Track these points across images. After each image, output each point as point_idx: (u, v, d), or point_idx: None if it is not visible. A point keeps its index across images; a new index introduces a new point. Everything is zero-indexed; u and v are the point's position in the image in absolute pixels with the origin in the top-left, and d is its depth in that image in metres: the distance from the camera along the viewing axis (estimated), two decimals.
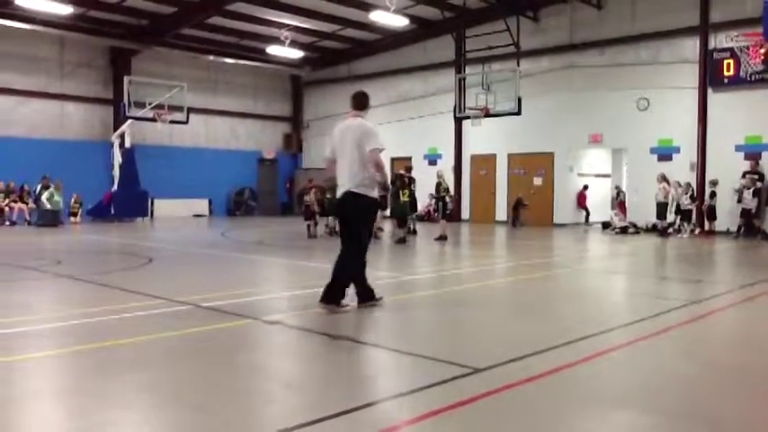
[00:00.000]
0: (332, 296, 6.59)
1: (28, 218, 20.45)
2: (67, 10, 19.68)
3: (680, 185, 18.24)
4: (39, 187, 20.56)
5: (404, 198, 16.07)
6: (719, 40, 18.79)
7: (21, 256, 11.99)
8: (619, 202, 20.90)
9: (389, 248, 14.42)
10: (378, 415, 3.72)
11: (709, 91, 18.93)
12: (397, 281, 9.10)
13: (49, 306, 7.14)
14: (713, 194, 18.14)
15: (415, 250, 14.26)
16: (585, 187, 22.61)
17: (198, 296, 7.28)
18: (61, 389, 4.26)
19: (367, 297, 6.81)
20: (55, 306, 7.15)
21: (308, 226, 16.68)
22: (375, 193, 6.72)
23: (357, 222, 6.68)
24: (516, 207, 21.75)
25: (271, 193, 29.36)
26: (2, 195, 20.36)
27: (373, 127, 6.72)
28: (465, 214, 24.24)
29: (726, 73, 18.54)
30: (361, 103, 6.87)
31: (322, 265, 10.93)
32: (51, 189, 20.18)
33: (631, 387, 4.32)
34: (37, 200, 20.46)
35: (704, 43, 18.94)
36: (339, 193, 6.73)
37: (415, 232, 16.93)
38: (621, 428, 3.68)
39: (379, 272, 10.16)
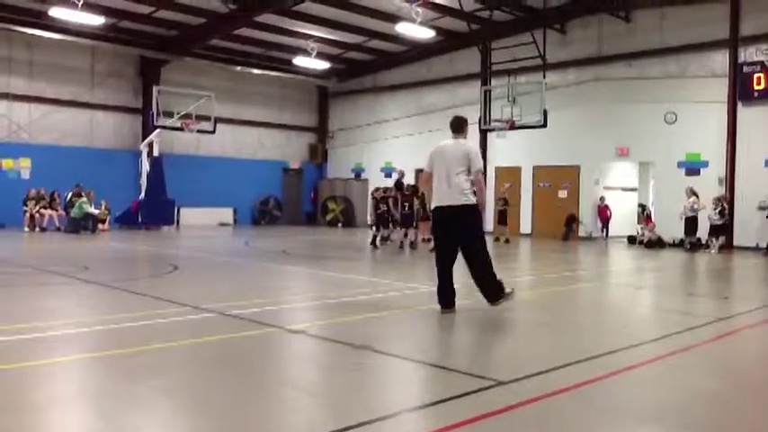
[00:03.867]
0: (494, 294, 7.31)
1: (58, 224, 20.77)
2: (99, 20, 20.03)
3: (718, 200, 17.87)
4: (69, 195, 20.89)
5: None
6: (749, 54, 18.56)
7: (50, 263, 12.18)
8: (646, 216, 20.64)
9: (419, 257, 14.40)
10: (400, 426, 3.71)
11: (739, 105, 18.69)
12: (422, 292, 9.08)
13: (76, 311, 7.23)
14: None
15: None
16: (602, 199, 22.30)
17: (223, 304, 7.32)
18: (87, 393, 4.31)
19: (500, 293, 7.38)
20: (82, 312, 7.23)
21: (377, 236, 17.12)
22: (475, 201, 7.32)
23: (476, 228, 7.38)
24: (569, 223, 21.64)
25: (295, 202, 29.52)
26: (33, 202, 20.71)
27: (477, 148, 7.51)
28: (489, 227, 24.09)
29: (756, 87, 18.28)
30: (460, 126, 7.63)
31: (345, 275, 10.99)
32: (84, 198, 20.50)
33: (658, 403, 4.26)
34: (67, 207, 20.79)
35: (734, 57, 18.72)
36: (440, 202, 7.30)
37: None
38: None
39: (408, 283, 10.15)
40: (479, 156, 7.50)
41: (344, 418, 3.74)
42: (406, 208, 17.02)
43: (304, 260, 14.12)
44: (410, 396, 4.36)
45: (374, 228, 17.42)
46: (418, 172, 25.20)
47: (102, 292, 8.56)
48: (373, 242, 16.95)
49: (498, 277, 7.42)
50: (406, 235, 16.84)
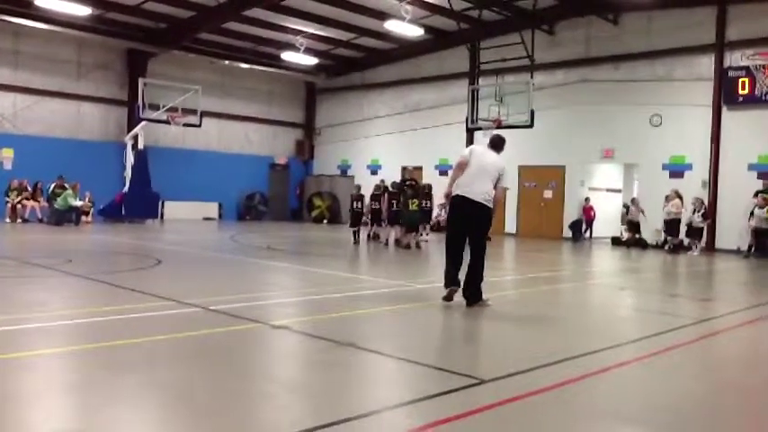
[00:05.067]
0: (475, 295, 7.74)
1: (40, 216, 20.59)
2: (86, 11, 19.87)
3: (696, 201, 18.14)
4: (52, 186, 20.72)
5: (413, 207, 16.41)
6: (735, 59, 18.75)
7: (32, 254, 12.09)
8: (628, 219, 20.75)
9: (400, 255, 14.43)
10: (382, 423, 3.72)
11: (724, 109, 18.87)
12: (406, 289, 9.10)
13: (58, 304, 7.18)
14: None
15: (427, 259, 14.25)
16: (587, 200, 22.46)
17: (206, 299, 7.30)
18: (68, 386, 4.29)
19: (479, 297, 7.81)
20: (65, 304, 7.18)
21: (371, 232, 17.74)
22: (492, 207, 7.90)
23: (486, 228, 7.93)
24: (578, 229, 21.92)
25: (281, 198, 29.44)
26: (15, 193, 20.51)
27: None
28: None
29: (741, 91, 18.48)
30: (500, 145, 8.26)
31: (329, 272, 10.98)
32: (69, 191, 20.32)
33: (638, 404, 4.30)
34: (49, 198, 20.61)
35: (719, 61, 18.90)
36: (465, 193, 7.76)
37: (417, 245, 16.77)
38: None
39: (391, 280, 10.17)
40: (508, 176, 8.20)
41: (327, 414, 3.74)
42: (394, 206, 17.10)
43: (289, 256, 14.09)
44: (392, 394, 4.37)
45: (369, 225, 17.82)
46: (404, 169, 25.33)
47: (85, 284, 8.51)
48: (372, 238, 17.46)
49: (472, 282, 7.77)
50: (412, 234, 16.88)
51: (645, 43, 20.33)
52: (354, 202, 18.01)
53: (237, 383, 4.36)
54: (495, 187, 7.84)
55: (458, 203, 7.89)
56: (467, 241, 7.93)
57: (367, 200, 18.15)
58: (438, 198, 19.66)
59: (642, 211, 19.26)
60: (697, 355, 5.95)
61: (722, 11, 18.86)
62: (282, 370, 4.98)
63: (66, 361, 4.87)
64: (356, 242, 17.27)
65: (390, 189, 17.75)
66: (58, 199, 20.12)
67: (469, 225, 7.87)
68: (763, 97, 18.13)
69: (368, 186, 19.87)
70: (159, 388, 4.23)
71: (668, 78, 19.97)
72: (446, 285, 7.85)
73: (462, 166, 7.97)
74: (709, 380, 5.07)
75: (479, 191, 7.76)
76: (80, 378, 4.46)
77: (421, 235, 17.18)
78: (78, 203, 20.61)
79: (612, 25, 20.99)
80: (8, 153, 21.82)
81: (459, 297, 7.74)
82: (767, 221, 17.07)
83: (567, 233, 22.09)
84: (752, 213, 17.56)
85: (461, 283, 7.81)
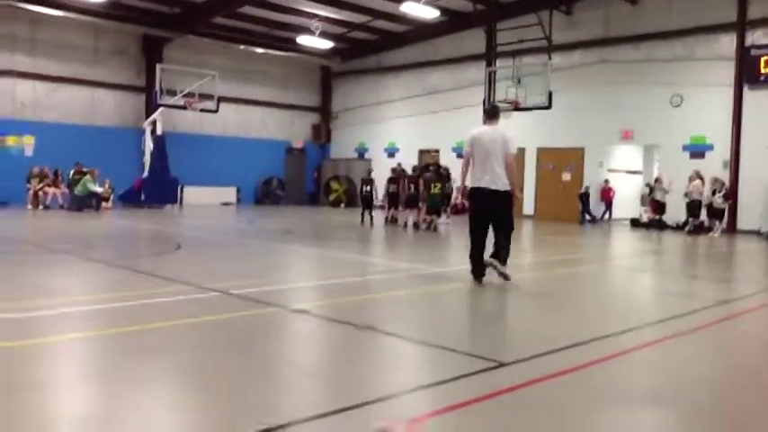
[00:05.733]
0: (504, 258, 8.06)
1: (61, 202, 20.80)
2: None
3: (715, 181, 17.94)
4: (71, 172, 20.90)
5: (435, 191, 16.55)
6: (757, 37, 18.43)
7: (54, 240, 12.22)
8: (651, 200, 20.49)
9: (418, 239, 14.43)
10: (400, 407, 3.73)
11: (745, 88, 18.58)
12: (424, 273, 9.10)
13: (80, 290, 7.26)
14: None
15: (447, 243, 14.24)
16: (606, 182, 22.28)
17: (226, 283, 7.34)
18: (90, 372, 4.34)
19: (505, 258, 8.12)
20: (86, 290, 7.27)
21: (389, 215, 17.93)
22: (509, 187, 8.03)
23: (507, 211, 8.09)
24: (585, 202, 21.69)
25: (298, 182, 29.51)
26: (36, 180, 20.71)
27: (511, 133, 8.18)
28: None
29: (762, 70, 18.17)
30: (495, 114, 8.43)
31: (348, 255, 11.01)
32: (88, 176, 20.49)
33: (659, 385, 4.28)
34: (70, 185, 20.81)
35: (741, 40, 18.59)
36: (479, 183, 7.99)
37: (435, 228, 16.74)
38: (648, 425, 3.66)
39: (409, 264, 10.17)
40: (513, 140, 8.08)
41: (345, 398, 3.76)
42: (412, 189, 17.14)
43: (307, 240, 14.13)
44: (411, 377, 4.38)
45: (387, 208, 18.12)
46: (421, 153, 25.35)
47: (106, 270, 8.59)
48: (389, 221, 17.68)
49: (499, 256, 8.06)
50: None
51: (664, 22, 20.02)
52: (364, 186, 18.34)
53: (257, 367, 4.39)
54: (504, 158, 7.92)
55: (475, 195, 8.11)
56: (490, 225, 8.09)
57: (378, 183, 18.36)
58: (456, 181, 19.78)
59: (665, 190, 18.94)
60: (717, 337, 5.90)
61: None
62: (301, 354, 5.01)
63: (88, 346, 4.93)
64: (363, 224, 17.60)
65: (412, 172, 17.86)
66: (78, 185, 20.31)
67: (491, 212, 8.03)
68: None
69: (385, 170, 19.93)
70: (180, 372, 4.27)
71: (688, 58, 19.68)
72: (475, 277, 8.06)
73: (468, 160, 8.21)
74: (728, 363, 5.03)
75: (492, 177, 7.90)
76: (102, 363, 4.51)
77: (440, 218, 17.28)
78: (98, 189, 20.78)
79: (631, 5, 20.69)
80: (29, 140, 22.02)
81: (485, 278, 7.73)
82: None
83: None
84: None
85: (485, 272, 8.05)
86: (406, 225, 16.85)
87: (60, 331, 5.24)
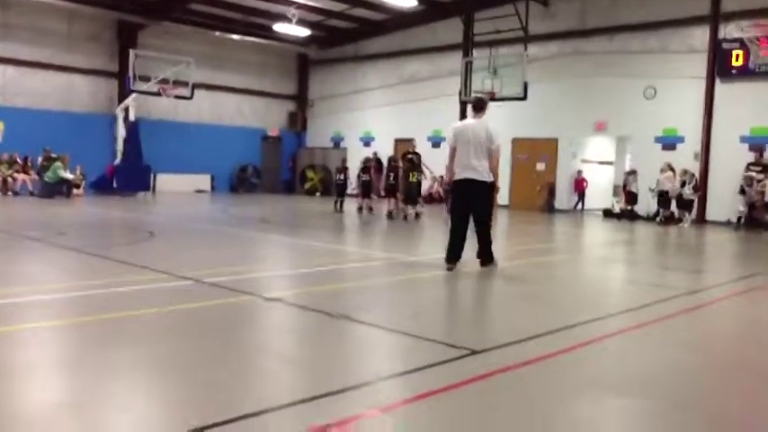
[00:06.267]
0: (485, 256, 8.36)
1: (31, 189, 20.50)
2: None
3: (685, 173, 18.20)
4: (40, 159, 20.60)
5: (412, 179, 16.68)
6: (729, 31, 18.66)
7: (24, 227, 12.06)
8: (625, 190, 20.64)
9: (393, 227, 14.47)
10: (373, 395, 3.77)
11: (717, 81, 18.83)
12: (398, 262, 9.14)
13: (52, 277, 7.19)
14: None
15: (421, 232, 14.29)
16: (579, 173, 22.50)
17: (200, 271, 7.33)
18: (62, 359, 4.32)
19: (491, 258, 8.45)
20: (58, 277, 7.20)
21: (363, 204, 17.97)
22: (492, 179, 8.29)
23: (487, 201, 8.38)
24: (550, 192, 21.94)
25: (274, 170, 29.35)
26: (5, 166, 20.38)
27: (495, 126, 8.35)
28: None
29: (734, 63, 18.43)
30: (482, 106, 8.45)
31: (323, 244, 11.01)
32: (58, 162, 20.19)
33: (628, 374, 4.37)
34: (40, 171, 20.50)
35: (714, 33, 18.80)
36: (463, 175, 8.19)
37: (417, 216, 16.88)
38: (617, 413, 3.74)
39: (384, 252, 10.20)
40: (499, 134, 8.35)
41: (321, 386, 3.79)
42: (391, 178, 17.24)
43: (282, 228, 14.11)
44: (385, 365, 4.43)
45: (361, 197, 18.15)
46: (398, 141, 25.37)
47: (78, 257, 8.51)
48: (360, 209, 17.75)
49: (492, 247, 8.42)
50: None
51: (640, 14, 20.19)
52: (338, 174, 18.79)
53: (232, 356, 4.40)
54: (490, 153, 8.14)
55: (460, 187, 8.31)
56: (470, 218, 8.34)
57: (352, 172, 18.53)
58: (430, 171, 19.90)
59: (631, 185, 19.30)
60: (685, 326, 6.02)
61: None
62: (277, 342, 5.02)
63: (60, 334, 4.90)
64: (337, 211, 17.82)
65: (392, 162, 17.95)
66: (48, 171, 20.02)
67: (472, 202, 8.29)
68: (757, 69, 18.08)
69: (361, 158, 19.98)
70: (153, 361, 4.27)
71: (662, 50, 19.88)
72: (448, 261, 8.26)
73: (453, 152, 8.32)
74: (697, 352, 5.14)
75: (476, 169, 8.10)
76: (74, 351, 4.49)
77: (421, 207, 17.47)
78: (69, 176, 20.50)
79: None
80: None
81: (460, 266, 7.79)
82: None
83: (560, 205, 22.15)
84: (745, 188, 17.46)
85: (461, 256, 8.29)
86: (390, 214, 16.89)
87: (31, 319, 5.19)
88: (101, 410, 3.38)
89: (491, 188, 8.30)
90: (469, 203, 8.29)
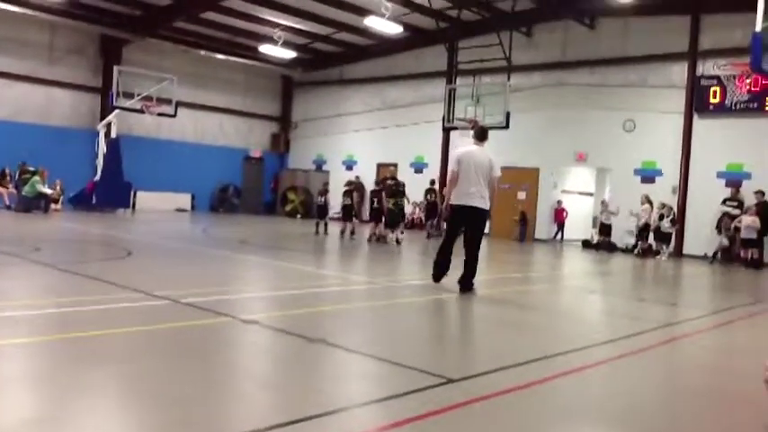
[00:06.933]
0: (468, 284, 8.53)
1: (8, 203, 20.23)
2: None
3: (663, 206, 18.41)
4: (17, 173, 20.38)
5: (389, 205, 17.02)
6: (707, 68, 19.05)
7: None
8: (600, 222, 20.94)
9: (374, 252, 14.44)
10: (348, 421, 3.73)
11: (695, 117, 19.18)
12: (377, 286, 9.11)
13: (24, 293, 7.07)
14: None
15: (400, 257, 14.28)
16: (559, 203, 22.68)
17: (176, 291, 7.24)
18: (33, 377, 4.22)
19: (471, 286, 8.64)
20: (31, 293, 7.08)
21: (344, 228, 17.79)
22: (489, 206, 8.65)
23: (482, 228, 8.74)
24: (523, 222, 22.04)
25: (255, 191, 29.27)
26: None
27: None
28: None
29: (712, 100, 18.79)
30: (484, 135, 8.89)
31: (301, 267, 10.96)
32: (36, 177, 19.98)
33: (606, 405, 4.37)
34: (17, 185, 20.26)
35: (692, 69, 19.20)
36: (464, 201, 8.46)
37: (398, 242, 16.89)
38: None
39: (363, 277, 10.17)
40: (498, 163, 8.69)
41: (296, 410, 3.74)
42: (375, 203, 17.37)
43: (261, 250, 14.03)
44: (362, 391, 4.38)
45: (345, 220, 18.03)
46: (380, 166, 25.48)
47: (53, 274, 8.39)
48: (343, 233, 17.68)
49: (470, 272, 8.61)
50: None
51: (620, 49, 20.56)
52: (319, 197, 18.94)
53: (206, 378, 4.34)
54: (489, 181, 8.50)
55: (459, 212, 8.58)
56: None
57: (335, 195, 18.65)
58: (412, 196, 20.03)
59: (613, 212, 19.48)
60: (662, 358, 6.05)
61: (696, 20, 19.16)
62: (252, 365, 4.96)
63: (32, 351, 4.80)
64: (317, 233, 17.89)
65: (376, 187, 18.15)
66: (26, 186, 19.79)
67: (468, 226, 8.62)
68: (733, 107, 18.44)
69: (343, 181, 20.04)
70: (127, 380, 4.19)
71: (642, 84, 20.23)
72: (434, 277, 8.73)
73: (455, 179, 8.54)
74: (673, 383, 5.16)
75: (477, 196, 8.45)
76: (46, 369, 4.40)
77: (401, 233, 17.54)
78: (47, 191, 20.28)
79: (589, 29, 21.20)
80: None
81: (437, 293, 7.77)
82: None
83: (540, 235, 22.28)
84: (723, 221, 17.64)
85: (448, 271, 8.68)
86: (373, 238, 16.96)
87: (3, 335, 5.09)
88: (67, 429, 3.30)
89: (487, 215, 8.64)
90: (467, 229, 8.62)
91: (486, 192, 8.50)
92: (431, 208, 20.24)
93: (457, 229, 8.75)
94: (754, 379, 4.51)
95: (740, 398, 4.81)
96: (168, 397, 3.90)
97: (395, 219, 17.00)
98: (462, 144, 9.46)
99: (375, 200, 17.48)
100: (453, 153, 8.98)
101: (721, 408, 4.58)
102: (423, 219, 22.33)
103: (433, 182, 21.41)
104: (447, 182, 8.75)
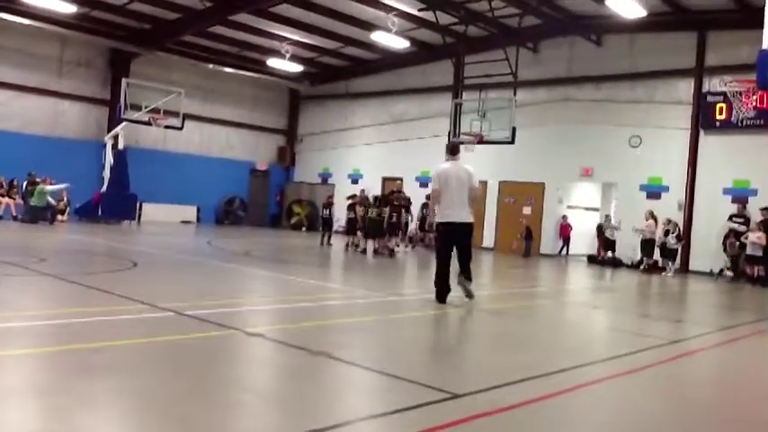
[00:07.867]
0: (467, 277, 8.84)
1: (15, 213, 20.31)
2: (71, 9, 19.73)
3: (668, 222, 18.35)
4: (25, 183, 20.46)
5: (372, 215, 17.36)
6: (713, 84, 19.05)
7: (5, 252, 11.90)
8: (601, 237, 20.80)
9: (378, 266, 14.43)
10: None
11: (701, 133, 19.16)
12: (382, 300, 9.10)
13: (29, 304, 7.08)
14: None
15: (404, 270, 14.27)
16: (564, 218, 22.62)
17: (181, 303, 7.25)
18: (37, 388, 4.22)
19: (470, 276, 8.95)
20: (36, 304, 7.09)
21: (350, 241, 18.09)
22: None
23: (470, 239, 8.97)
24: (528, 236, 21.93)
25: (261, 204, 29.32)
26: None
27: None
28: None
29: (718, 116, 18.77)
30: (457, 150, 9.19)
31: (306, 280, 10.95)
32: (43, 186, 20.07)
33: (610, 421, 4.34)
34: (24, 196, 20.36)
35: (698, 86, 19.21)
36: (450, 218, 8.72)
37: (392, 254, 17.07)
38: None
39: (368, 290, 10.15)
40: (476, 174, 8.96)
41: (298, 424, 3.74)
42: (350, 214, 17.86)
43: (266, 263, 14.03)
44: (364, 405, 4.37)
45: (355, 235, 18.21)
46: (386, 180, 25.52)
47: (58, 285, 8.40)
48: (348, 246, 17.89)
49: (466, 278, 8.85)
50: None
51: (626, 65, 20.60)
52: (324, 209, 19.28)
53: (210, 391, 4.33)
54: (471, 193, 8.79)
55: (447, 229, 8.80)
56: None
57: (340, 208, 18.83)
58: (416, 210, 20.10)
59: (616, 227, 19.47)
60: (666, 375, 6.01)
61: (702, 36, 19.19)
62: (255, 378, 4.96)
63: (36, 363, 4.81)
64: (321, 245, 18.24)
65: (350, 200, 18.58)
66: (33, 196, 19.87)
67: (458, 240, 8.85)
68: (739, 123, 18.41)
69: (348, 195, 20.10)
70: (130, 393, 4.19)
71: (648, 101, 20.24)
72: (437, 298, 8.65)
73: (438, 195, 8.82)
74: (676, 401, 5.12)
75: (461, 211, 8.70)
76: (50, 381, 4.40)
77: (397, 245, 17.64)
78: (53, 201, 20.32)
79: (595, 46, 21.25)
80: None
81: (441, 308, 7.75)
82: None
83: (545, 250, 22.23)
84: (730, 237, 17.48)
85: (450, 291, 8.75)
86: (391, 252, 17.15)
87: (8, 346, 5.10)
88: None
89: (473, 227, 8.94)
90: (455, 241, 8.82)
91: (468, 204, 8.78)
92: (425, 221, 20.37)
93: (449, 250, 8.86)
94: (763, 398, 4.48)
95: (745, 412, 4.78)
96: (172, 410, 3.90)
97: (376, 228, 17.20)
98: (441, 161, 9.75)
99: (350, 211, 17.94)
100: (432, 172, 9.21)
101: (727, 423, 4.54)
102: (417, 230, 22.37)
103: (428, 196, 21.38)
104: (431, 200, 8.94)
